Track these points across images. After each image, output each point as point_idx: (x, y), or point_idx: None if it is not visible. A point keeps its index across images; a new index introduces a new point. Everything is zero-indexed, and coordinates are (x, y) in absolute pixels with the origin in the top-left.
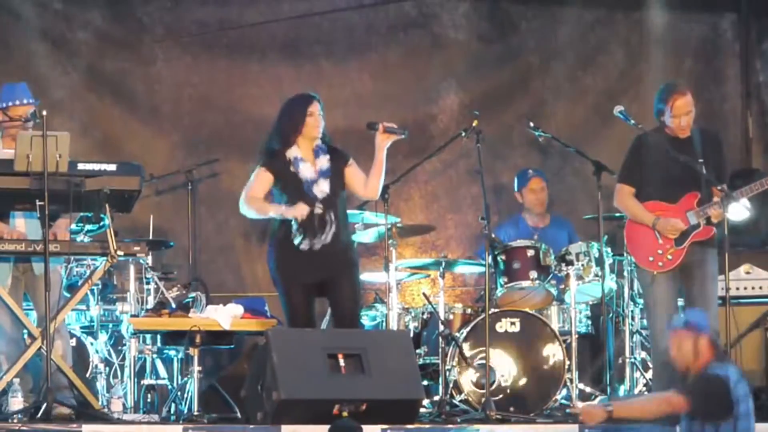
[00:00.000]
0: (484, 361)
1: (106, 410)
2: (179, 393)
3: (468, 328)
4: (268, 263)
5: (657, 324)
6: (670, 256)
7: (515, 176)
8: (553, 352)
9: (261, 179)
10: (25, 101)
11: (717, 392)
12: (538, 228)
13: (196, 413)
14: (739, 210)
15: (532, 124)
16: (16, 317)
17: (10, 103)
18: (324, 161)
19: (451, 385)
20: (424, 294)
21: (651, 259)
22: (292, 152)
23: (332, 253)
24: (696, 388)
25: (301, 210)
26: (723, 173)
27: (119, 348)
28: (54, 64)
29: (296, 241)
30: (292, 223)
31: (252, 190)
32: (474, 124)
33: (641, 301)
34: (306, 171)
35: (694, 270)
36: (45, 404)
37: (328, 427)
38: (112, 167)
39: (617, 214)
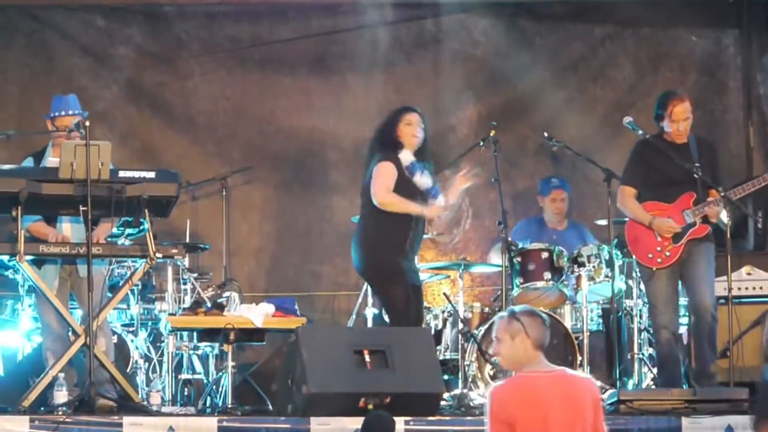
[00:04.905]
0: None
1: (145, 403)
2: (214, 387)
3: (486, 326)
4: (363, 261)
5: (658, 319)
6: (668, 253)
7: (540, 181)
8: (565, 349)
9: (388, 171)
10: (71, 112)
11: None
12: (557, 230)
13: (230, 406)
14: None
15: (546, 134)
16: (61, 316)
17: (57, 114)
18: (432, 181)
19: (470, 380)
20: (444, 294)
21: (650, 256)
22: (406, 157)
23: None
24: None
25: (438, 209)
26: (716, 176)
27: (158, 344)
28: (96, 78)
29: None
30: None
31: (386, 183)
32: (491, 134)
33: None
34: (422, 182)
35: (692, 267)
36: (88, 397)
37: (354, 418)
38: (151, 175)
39: (626, 218)
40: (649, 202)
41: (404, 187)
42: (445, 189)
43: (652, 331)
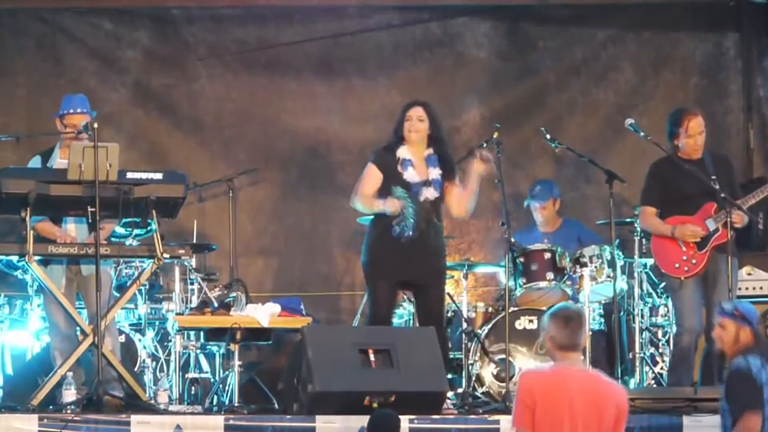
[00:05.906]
0: (504, 356)
1: (152, 401)
2: (221, 386)
3: (489, 326)
4: (362, 257)
5: (683, 321)
6: (694, 261)
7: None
8: None
9: (367, 174)
10: (78, 110)
11: (738, 384)
12: (548, 233)
13: (236, 404)
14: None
15: (549, 136)
16: (69, 315)
17: (66, 112)
18: (436, 173)
19: (473, 379)
20: (448, 294)
21: (677, 266)
22: (402, 153)
23: (426, 255)
24: (726, 384)
25: (392, 204)
26: (734, 189)
27: (165, 344)
28: (104, 80)
29: (393, 232)
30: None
31: (362, 186)
32: (494, 136)
33: (650, 300)
34: (412, 175)
35: (716, 278)
36: (96, 396)
37: (359, 417)
38: (159, 176)
39: (628, 219)
40: (673, 218)
41: (393, 182)
42: (462, 180)
43: (673, 335)
